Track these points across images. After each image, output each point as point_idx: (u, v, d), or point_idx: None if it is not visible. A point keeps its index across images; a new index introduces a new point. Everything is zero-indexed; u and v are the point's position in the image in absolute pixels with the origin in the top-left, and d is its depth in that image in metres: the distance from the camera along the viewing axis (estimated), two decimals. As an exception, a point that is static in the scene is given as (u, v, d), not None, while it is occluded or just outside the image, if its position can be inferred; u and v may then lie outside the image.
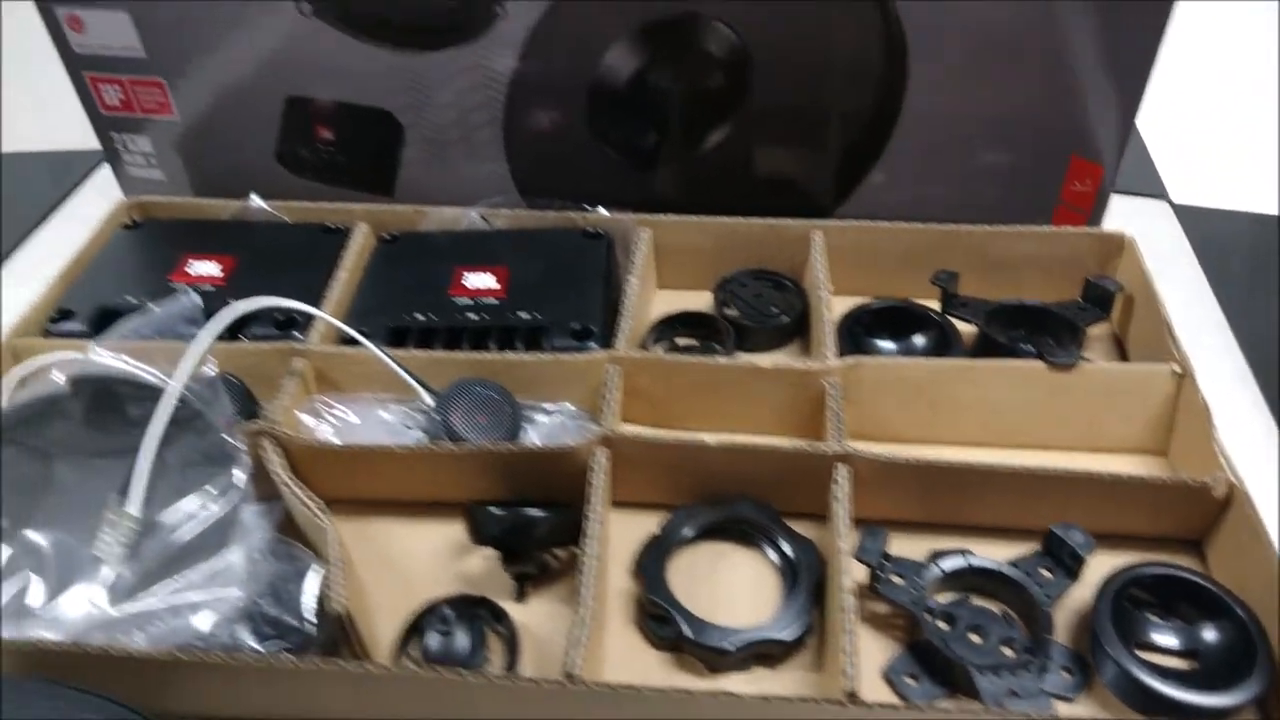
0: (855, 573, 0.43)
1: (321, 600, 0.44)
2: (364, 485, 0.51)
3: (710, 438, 0.49)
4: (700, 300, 0.65)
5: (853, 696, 0.38)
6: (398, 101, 0.62)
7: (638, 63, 0.58)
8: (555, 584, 0.49)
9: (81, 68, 0.63)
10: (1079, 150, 0.59)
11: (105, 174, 0.83)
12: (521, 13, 0.56)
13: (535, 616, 0.47)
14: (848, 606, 0.41)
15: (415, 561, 0.50)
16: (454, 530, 0.52)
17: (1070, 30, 0.55)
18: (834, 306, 0.57)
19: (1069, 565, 0.45)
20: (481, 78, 0.60)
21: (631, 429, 0.53)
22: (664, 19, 0.56)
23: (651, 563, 0.47)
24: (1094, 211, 0.62)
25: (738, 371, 0.53)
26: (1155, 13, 0.52)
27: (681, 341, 0.62)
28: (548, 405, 0.55)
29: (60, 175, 0.83)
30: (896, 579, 0.46)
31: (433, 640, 0.43)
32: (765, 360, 0.53)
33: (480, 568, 0.50)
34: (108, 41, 0.61)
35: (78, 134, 0.86)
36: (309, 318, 0.56)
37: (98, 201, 0.80)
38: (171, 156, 0.68)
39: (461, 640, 0.43)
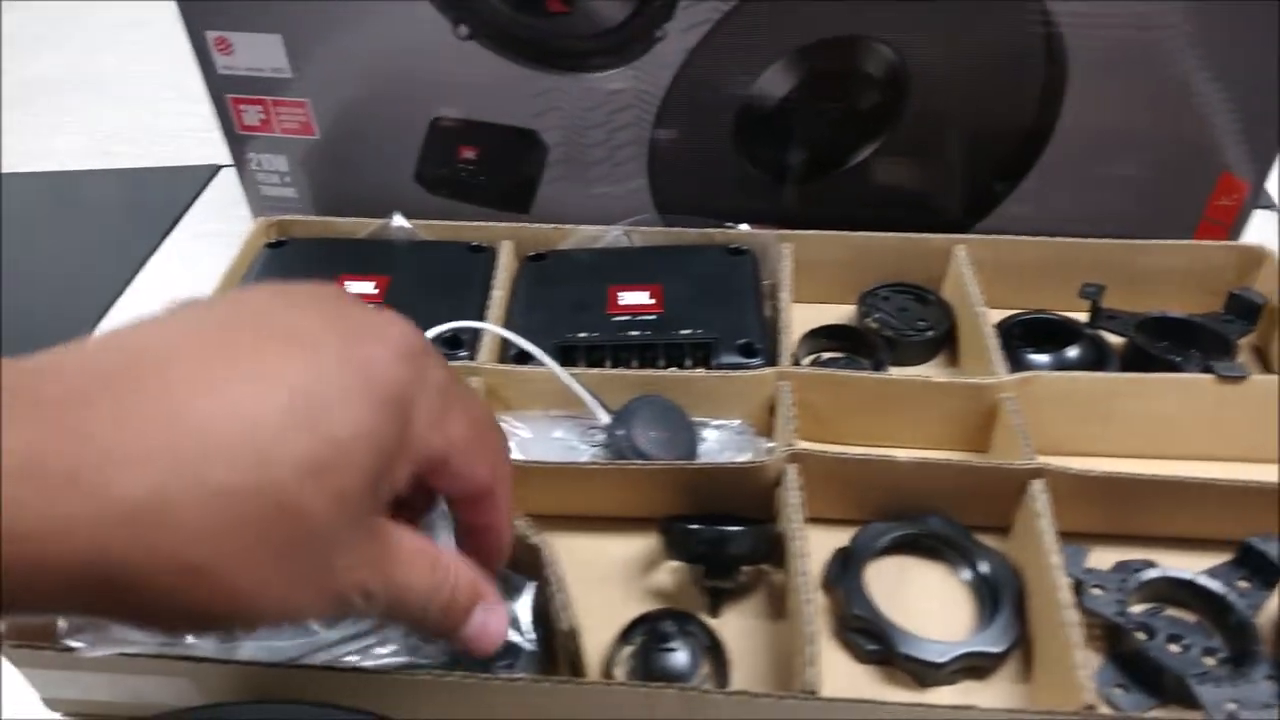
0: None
1: (537, 615, 0.44)
2: (550, 502, 0.51)
3: (898, 454, 0.50)
4: (835, 314, 0.65)
5: (1091, 709, 0.39)
6: (544, 121, 0.63)
7: (793, 82, 0.59)
8: (743, 599, 0.50)
9: (224, 90, 0.64)
10: (1229, 167, 0.60)
11: (214, 192, 0.84)
12: (681, 35, 0.57)
13: (726, 631, 0.48)
14: (1072, 621, 0.42)
15: (602, 576, 0.51)
16: (634, 545, 0.52)
17: (1225, 50, 0.56)
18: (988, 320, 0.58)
19: (1266, 576, 0.46)
20: (632, 97, 0.60)
21: (808, 445, 0.54)
22: (824, 41, 0.57)
23: (850, 577, 0.48)
24: (1235, 226, 0.63)
25: (909, 386, 0.54)
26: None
27: (826, 355, 0.62)
28: (715, 421, 0.56)
29: (169, 192, 0.83)
30: (1097, 591, 0.46)
31: (655, 655, 0.43)
32: (938, 375, 0.53)
33: (667, 582, 0.51)
34: (256, 63, 0.62)
35: (173, 150, 0.88)
36: (475, 336, 0.56)
37: (215, 220, 0.80)
38: (303, 175, 0.68)
39: (682, 656, 0.43)
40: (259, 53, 0.61)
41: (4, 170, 0.86)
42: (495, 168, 0.65)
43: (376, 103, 0.64)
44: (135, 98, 0.98)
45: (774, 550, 0.49)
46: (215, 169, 0.86)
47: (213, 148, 0.90)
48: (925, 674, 0.45)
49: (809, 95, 0.60)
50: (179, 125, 0.92)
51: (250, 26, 0.60)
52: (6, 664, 0.47)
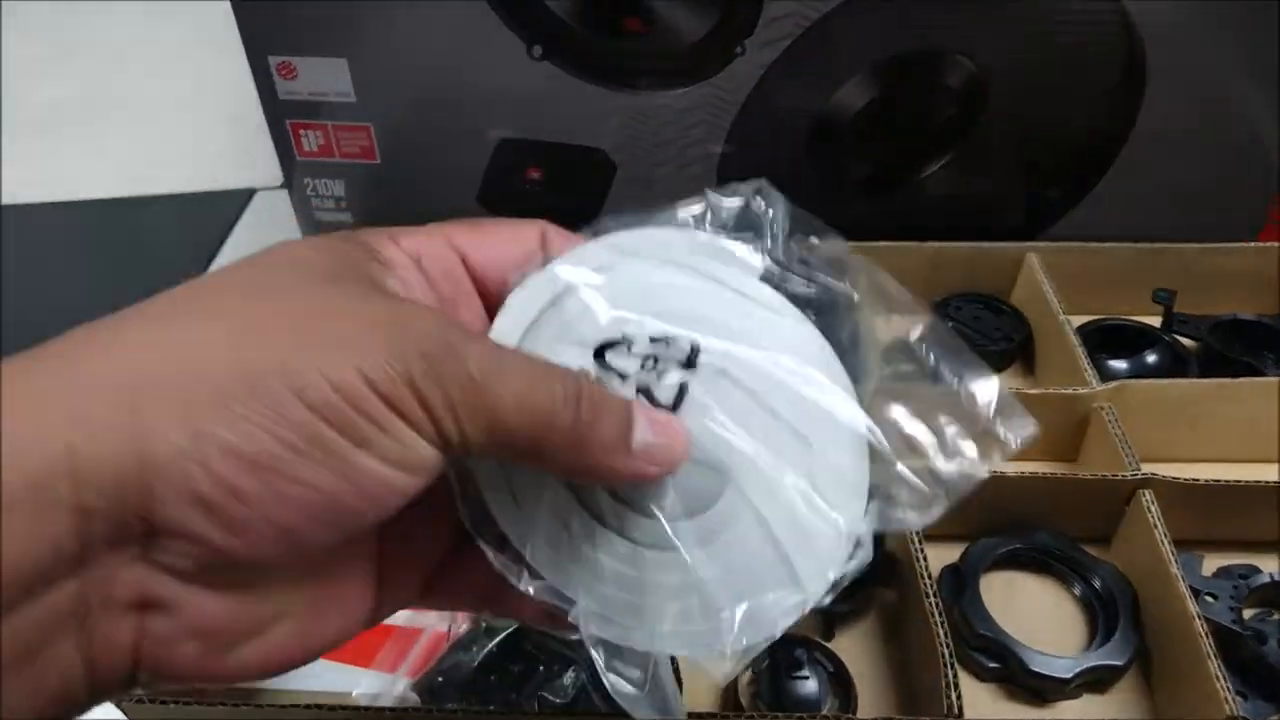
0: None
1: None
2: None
3: (1006, 469, 0.50)
4: (905, 324, 0.65)
5: (1236, 721, 0.39)
6: (614, 139, 0.62)
7: (870, 96, 0.59)
8: (854, 620, 0.50)
9: (285, 115, 0.63)
10: (1297, 169, 0.61)
11: (251, 217, 0.82)
12: (759, 51, 0.57)
13: (840, 654, 0.48)
14: (1201, 632, 0.42)
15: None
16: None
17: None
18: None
19: (1374, 578, 0.47)
20: (706, 114, 0.60)
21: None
22: (904, 54, 0.57)
23: (967, 595, 0.48)
24: (1299, 226, 0.64)
25: (1002, 399, 0.54)
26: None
27: (905, 368, 0.62)
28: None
29: (206, 218, 0.81)
30: (1210, 599, 0.47)
31: (784, 683, 0.43)
32: (1027, 386, 0.54)
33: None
34: (319, 88, 0.61)
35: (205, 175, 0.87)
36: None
37: (258, 246, 0.79)
38: (360, 199, 0.67)
39: (812, 683, 0.43)
40: (323, 77, 0.60)
41: (33, 201, 0.84)
42: (562, 187, 0.65)
43: (441, 125, 0.63)
44: (153, 120, 0.96)
45: (886, 569, 0.49)
46: (250, 193, 0.84)
47: (239, 170, 0.89)
48: (1049, 689, 0.45)
49: (886, 109, 0.60)
50: (201, 147, 0.90)
51: (315, 51, 0.59)
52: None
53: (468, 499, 0.27)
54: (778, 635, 0.27)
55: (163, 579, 0.20)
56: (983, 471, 0.28)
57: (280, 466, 0.20)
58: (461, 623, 0.47)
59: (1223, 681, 0.40)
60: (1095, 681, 0.46)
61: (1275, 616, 0.48)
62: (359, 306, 0.22)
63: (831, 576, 0.27)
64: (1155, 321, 0.62)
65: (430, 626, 0.47)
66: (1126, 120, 0.59)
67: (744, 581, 0.26)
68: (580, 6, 0.57)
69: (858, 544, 0.27)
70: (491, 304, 0.28)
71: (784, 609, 0.27)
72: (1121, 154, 0.62)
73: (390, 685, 0.46)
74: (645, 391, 0.26)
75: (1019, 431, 0.29)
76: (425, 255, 0.27)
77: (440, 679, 0.44)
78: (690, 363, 0.27)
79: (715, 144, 0.62)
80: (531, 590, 0.27)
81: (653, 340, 0.27)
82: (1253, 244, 0.63)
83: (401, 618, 0.50)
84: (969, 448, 0.29)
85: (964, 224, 0.65)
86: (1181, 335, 0.61)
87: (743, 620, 0.26)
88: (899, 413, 0.30)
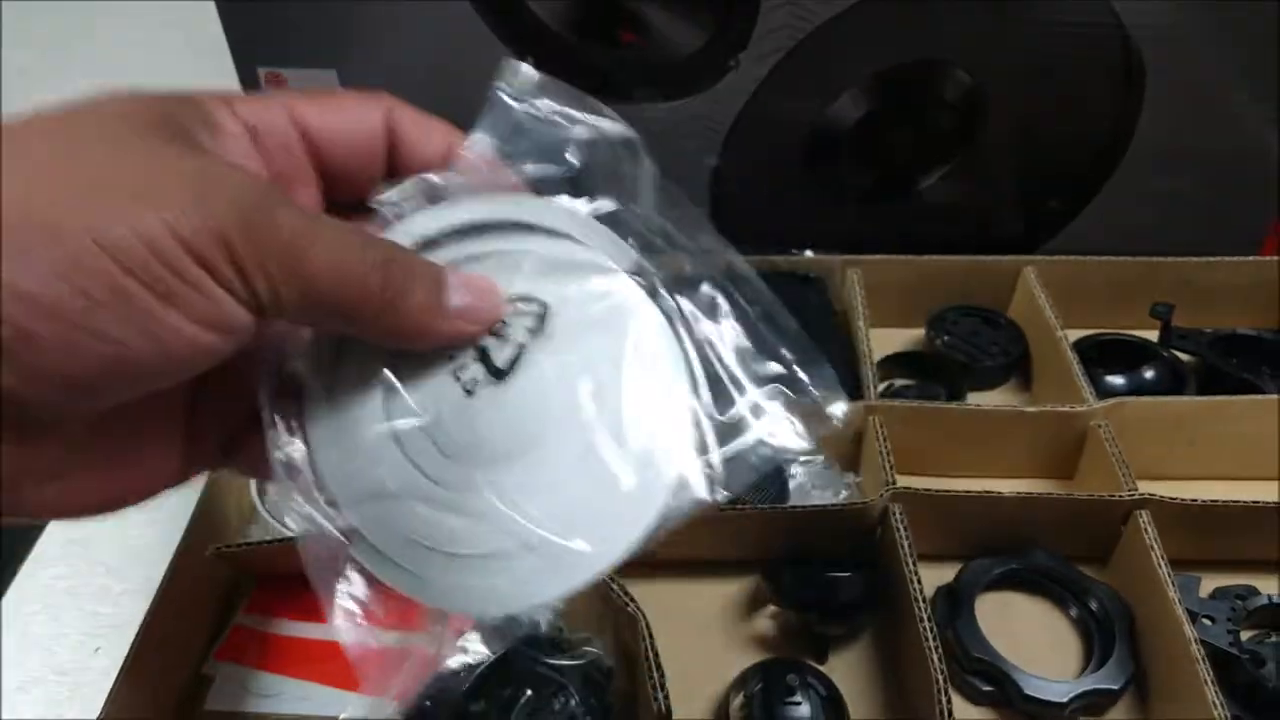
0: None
1: (587, 682, 0.43)
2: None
3: (999, 487, 0.49)
4: (899, 338, 0.65)
5: (1234, 751, 0.39)
6: (607, 152, 0.61)
7: (867, 107, 0.58)
8: (847, 642, 0.49)
9: (274, 126, 0.62)
10: (1299, 182, 0.61)
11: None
12: (754, 65, 0.56)
13: (833, 676, 0.47)
14: (1198, 657, 0.41)
15: (698, 622, 0.50)
16: (729, 589, 0.52)
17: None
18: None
19: (1373, 600, 0.47)
20: (700, 127, 0.59)
21: (908, 482, 0.53)
22: (900, 66, 0.56)
23: (963, 618, 0.47)
24: (1300, 240, 0.63)
25: (1000, 417, 0.53)
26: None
27: (899, 383, 0.62)
28: (801, 457, 0.55)
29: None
30: (1207, 622, 0.46)
31: (777, 708, 0.43)
32: (1026, 404, 0.53)
33: (765, 627, 0.50)
34: (309, 99, 0.60)
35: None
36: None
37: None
38: (351, 210, 0.67)
39: (805, 709, 0.43)
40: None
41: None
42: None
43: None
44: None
45: (879, 591, 0.48)
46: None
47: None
48: (1046, 714, 0.45)
49: (882, 121, 0.59)
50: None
51: (303, 62, 0.58)
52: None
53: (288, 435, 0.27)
54: (564, 597, 0.27)
55: None
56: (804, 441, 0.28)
57: (77, 317, 0.20)
58: (451, 643, 0.46)
59: (1220, 708, 0.40)
60: (1091, 706, 0.45)
61: (1273, 639, 0.48)
62: (171, 161, 0.22)
63: (642, 529, 0.26)
64: (1153, 336, 0.62)
65: (418, 649, 0.46)
66: (1125, 132, 0.59)
67: (548, 527, 0.26)
68: (573, 18, 0.57)
69: (681, 485, 0.27)
70: (330, 178, 0.28)
71: (581, 564, 0.26)
72: (1120, 166, 0.61)
73: (377, 709, 0.45)
74: (482, 351, 0.27)
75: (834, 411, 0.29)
76: (262, 126, 0.26)
77: (428, 703, 0.43)
78: (538, 327, 0.27)
79: (710, 156, 0.61)
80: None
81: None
82: (1252, 257, 0.63)
83: (390, 639, 0.49)
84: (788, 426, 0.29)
85: (962, 236, 0.65)
86: (1180, 350, 0.60)
87: (528, 575, 0.26)
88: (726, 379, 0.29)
